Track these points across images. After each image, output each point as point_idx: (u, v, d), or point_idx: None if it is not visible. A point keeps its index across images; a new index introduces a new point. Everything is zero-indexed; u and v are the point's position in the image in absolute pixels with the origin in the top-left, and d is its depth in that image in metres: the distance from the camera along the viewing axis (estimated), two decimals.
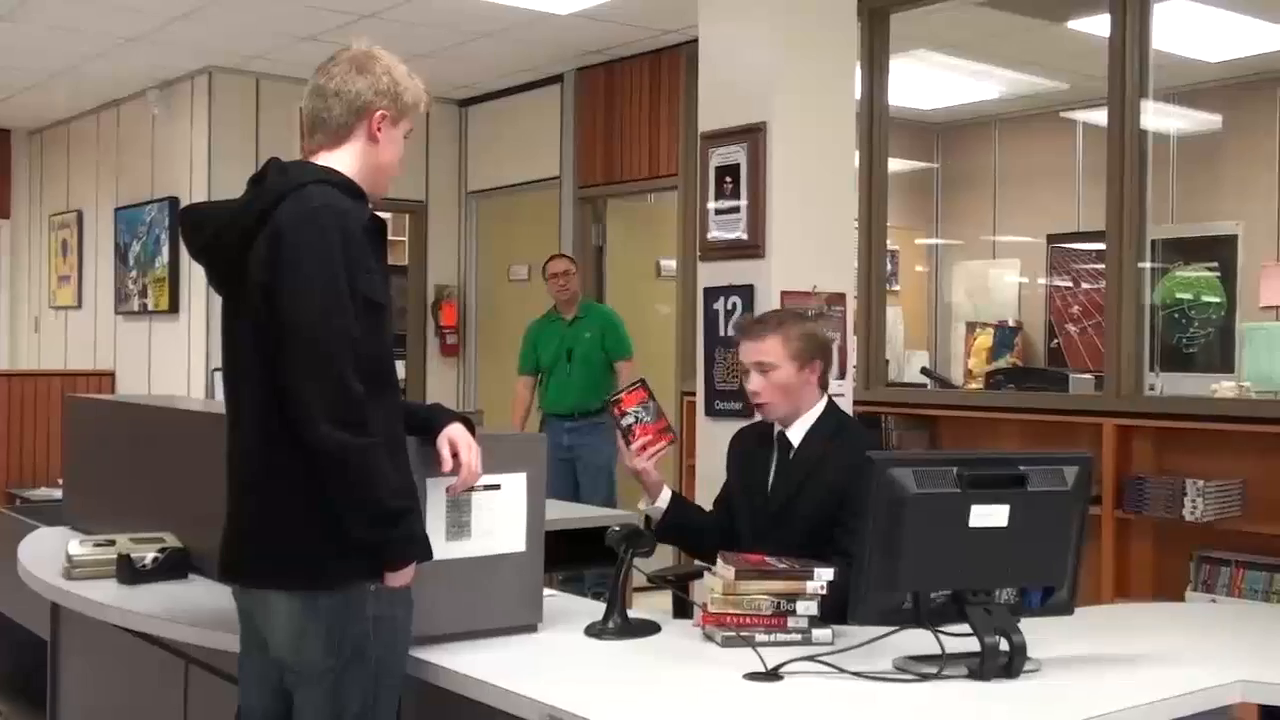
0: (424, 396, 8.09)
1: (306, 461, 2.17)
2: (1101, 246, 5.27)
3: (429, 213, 8.22)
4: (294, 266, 2.19)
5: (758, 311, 3.96)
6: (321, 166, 2.35)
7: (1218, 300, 7.09)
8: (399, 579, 2.27)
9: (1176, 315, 6.99)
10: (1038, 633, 2.39)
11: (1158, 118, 5.35)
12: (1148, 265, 5.21)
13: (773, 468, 3.19)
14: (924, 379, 6.88)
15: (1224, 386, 5.37)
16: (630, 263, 7.44)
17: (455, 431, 2.45)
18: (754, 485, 3.23)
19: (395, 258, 9.33)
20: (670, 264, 6.91)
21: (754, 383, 3.13)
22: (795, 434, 3.17)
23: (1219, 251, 7.31)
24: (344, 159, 2.37)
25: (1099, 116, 5.38)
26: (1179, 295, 7.06)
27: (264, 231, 2.25)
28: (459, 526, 2.59)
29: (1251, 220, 7.41)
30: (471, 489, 2.55)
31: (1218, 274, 7.19)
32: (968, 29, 6.54)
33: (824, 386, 3.20)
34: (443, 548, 2.52)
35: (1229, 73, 7.15)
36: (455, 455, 2.44)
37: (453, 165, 8.24)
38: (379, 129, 2.39)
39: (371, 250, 2.29)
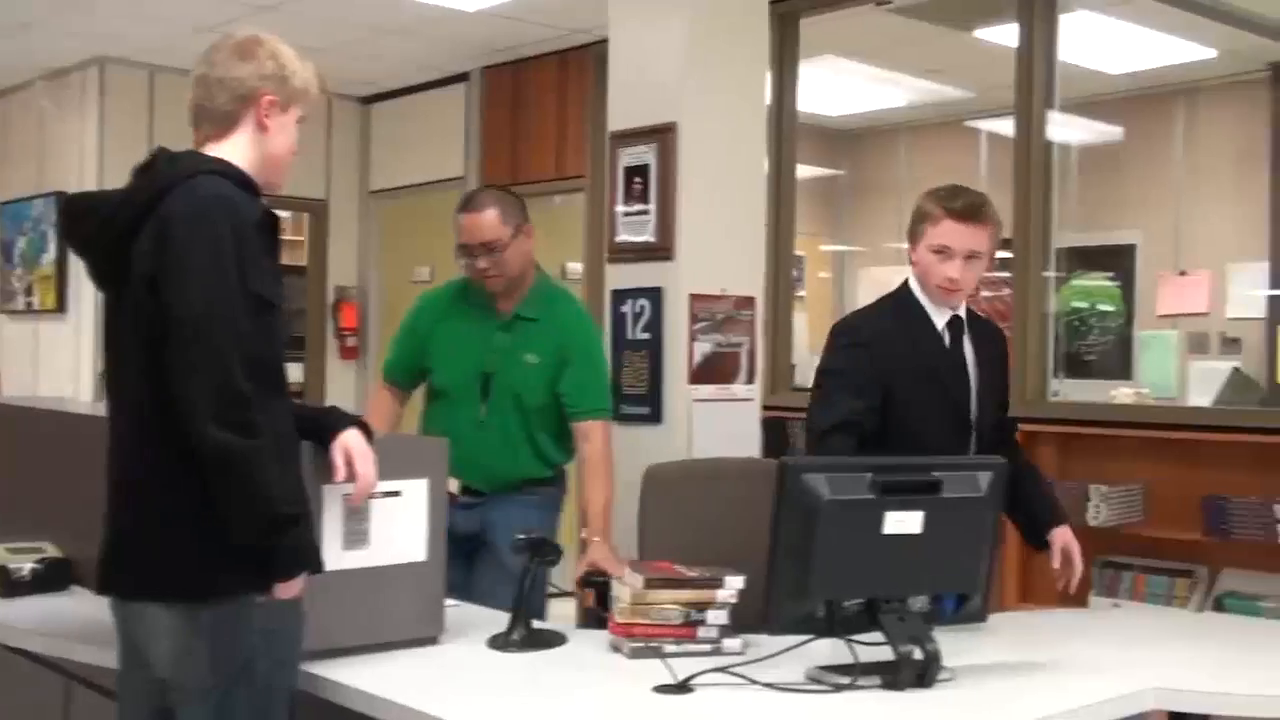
0: (323, 400, 7.92)
1: (189, 464, 2.06)
2: (1004, 254, 5.30)
3: (329, 212, 8.04)
4: (181, 259, 2.08)
5: (665, 315, 3.91)
6: (213, 157, 2.24)
7: (1114, 309, 7.20)
8: (288, 590, 2.16)
9: (1076, 323, 7.08)
10: (951, 641, 2.35)
11: (1061, 128, 5.40)
12: (1051, 274, 5.26)
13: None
14: None
15: (1122, 392, 5.45)
16: None
17: (351, 439, 2.35)
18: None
19: (294, 258, 9.14)
20: (576, 267, 6.82)
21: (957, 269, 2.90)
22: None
23: (1119, 261, 7.43)
24: (233, 149, 2.27)
25: (1001, 125, 5.42)
26: (1075, 304, 7.16)
27: (150, 223, 2.13)
28: (357, 535, 2.49)
29: (1149, 231, 7.55)
30: (370, 496, 2.45)
31: (1117, 283, 7.30)
32: (876, 36, 6.55)
33: None
34: (339, 557, 2.43)
35: (1130, 85, 7.27)
36: (350, 463, 2.33)
37: (354, 164, 8.07)
38: (267, 116, 2.28)
39: (264, 246, 2.19)
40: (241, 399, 2.06)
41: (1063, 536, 3.03)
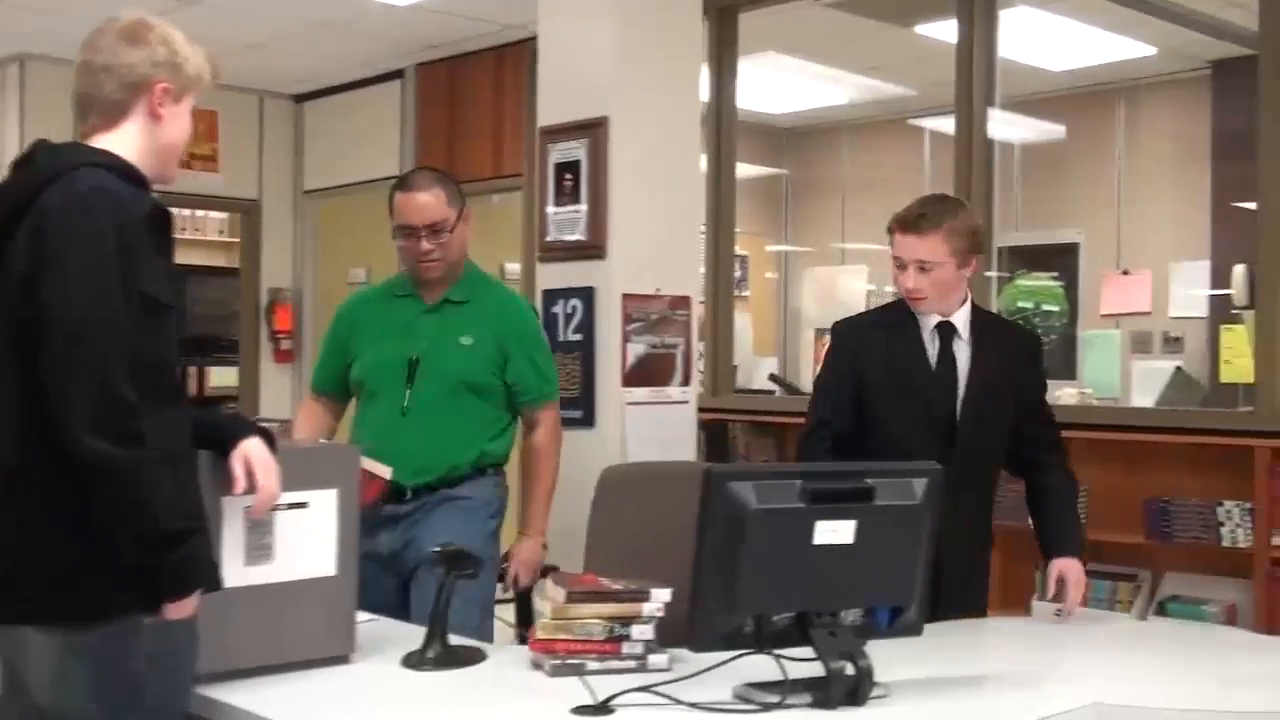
0: (257, 405, 7.75)
1: (68, 477, 1.92)
2: None
3: (262, 212, 7.85)
4: (58, 257, 1.94)
5: (598, 316, 3.81)
6: (97, 149, 2.10)
7: (1058, 309, 7.17)
8: (180, 609, 2.02)
9: (1020, 323, 7.04)
10: (886, 655, 2.24)
11: (1002, 126, 5.34)
12: (994, 274, 5.20)
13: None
14: (772, 386, 6.80)
15: (1066, 393, 5.40)
16: None
17: (251, 448, 2.21)
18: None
19: (228, 260, 8.96)
20: (514, 267, 6.69)
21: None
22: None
23: (1062, 260, 7.40)
24: (122, 140, 2.12)
25: (945, 124, 5.36)
26: (1020, 304, 7.12)
27: (27, 219, 1.99)
28: (260, 549, 2.35)
29: (1092, 229, 7.53)
30: (274, 508, 2.32)
31: (1061, 282, 7.27)
32: (816, 32, 6.48)
33: None
34: (241, 573, 2.30)
35: (1072, 82, 7.25)
36: (251, 474, 2.20)
37: (287, 163, 7.88)
38: (160, 105, 2.14)
39: (154, 243, 2.04)
40: (123, 406, 1.92)
41: (1060, 566, 2.97)
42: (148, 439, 1.94)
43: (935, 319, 3.04)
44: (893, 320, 3.09)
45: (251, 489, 2.21)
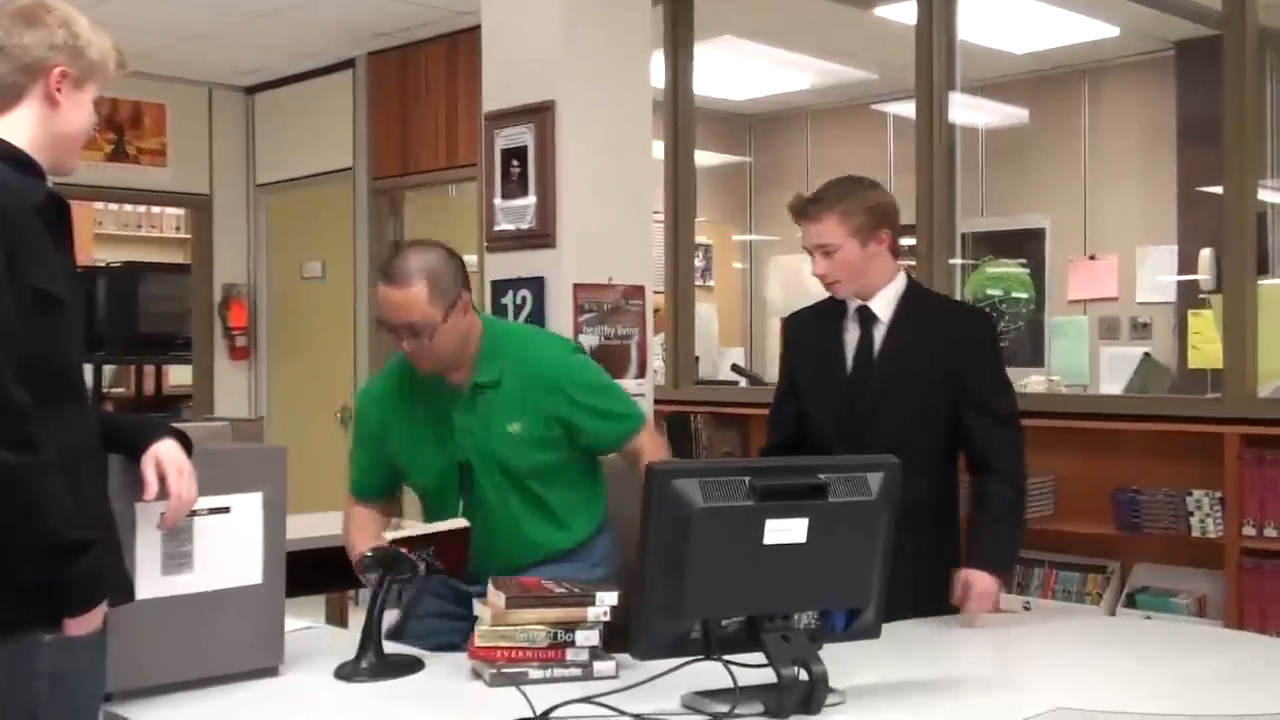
0: (212, 404, 7.60)
1: None
2: (913, 240, 5.13)
3: (214, 207, 7.68)
4: None
5: (549, 307, 3.68)
6: None
7: (1027, 295, 7.09)
8: (82, 625, 1.88)
9: (987, 310, 6.95)
10: (842, 660, 2.14)
11: (966, 110, 5.23)
12: (958, 260, 5.09)
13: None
14: (736, 376, 6.69)
15: (1034, 381, 5.31)
16: None
17: (164, 450, 2.09)
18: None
19: (185, 255, 8.78)
20: (471, 259, 6.55)
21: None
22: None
23: (1028, 245, 7.32)
24: (16, 127, 1.98)
25: (908, 109, 5.25)
26: (989, 291, 7.03)
27: None
28: (178, 557, 2.23)
29: (1058, 214, 7.45)
30: (194, 513, 2.19)
31: (1027, 268, 7.19)
32: (774, 15, 6.36)
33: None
34: (157, 583, 2.19)
35: (1034, 65, 7.16)
36: (164, 479, 2.07)
37: (239, 156, 7.71)
38: (59, 90, 2.00)
39: (47, 235, 1.90)
40: (15, 410, 1.78)
41: (965, 576, 2.82)
42: (43, 443, 1.80)
43: (857, 303, 2.99)
44: (826, 310, 3.09)
45: (165, 494, 2.09)
